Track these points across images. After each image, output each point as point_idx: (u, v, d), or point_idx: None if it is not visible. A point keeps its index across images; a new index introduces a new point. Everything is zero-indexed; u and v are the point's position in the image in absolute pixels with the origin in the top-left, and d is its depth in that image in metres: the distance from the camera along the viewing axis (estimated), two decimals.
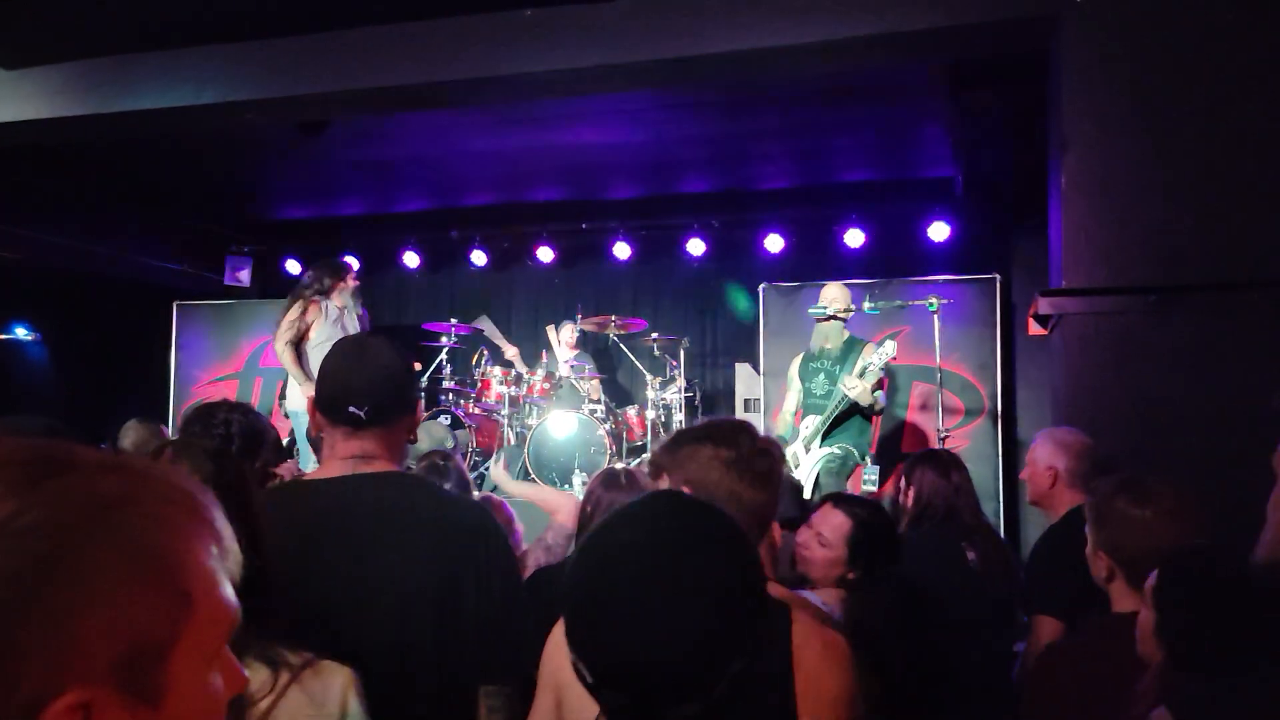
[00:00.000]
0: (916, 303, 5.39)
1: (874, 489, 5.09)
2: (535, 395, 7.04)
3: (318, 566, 1.68)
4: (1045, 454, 2.93)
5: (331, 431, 1.84)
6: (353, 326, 5.99)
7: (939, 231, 7.27)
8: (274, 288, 9.02)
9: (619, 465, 6.59)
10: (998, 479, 6.67)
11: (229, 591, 0.72)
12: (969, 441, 6.68)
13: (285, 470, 2.97)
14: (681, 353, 7.29)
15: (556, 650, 1.64)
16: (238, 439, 2.44)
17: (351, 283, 6.14)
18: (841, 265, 7.51)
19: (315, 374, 5.79)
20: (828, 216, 7.62)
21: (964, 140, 5.84)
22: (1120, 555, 1.93)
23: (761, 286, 7.47)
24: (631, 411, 7.21)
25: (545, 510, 3.08)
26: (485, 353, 7.40)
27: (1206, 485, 2.66)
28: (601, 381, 7.72)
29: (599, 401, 7.18)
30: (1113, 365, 3.37)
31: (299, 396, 5.93)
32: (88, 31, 4.41)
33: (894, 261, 7.39)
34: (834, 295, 5.44)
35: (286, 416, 6.36)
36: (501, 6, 4.18)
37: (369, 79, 4.43)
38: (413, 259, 8.55)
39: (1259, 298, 3.26)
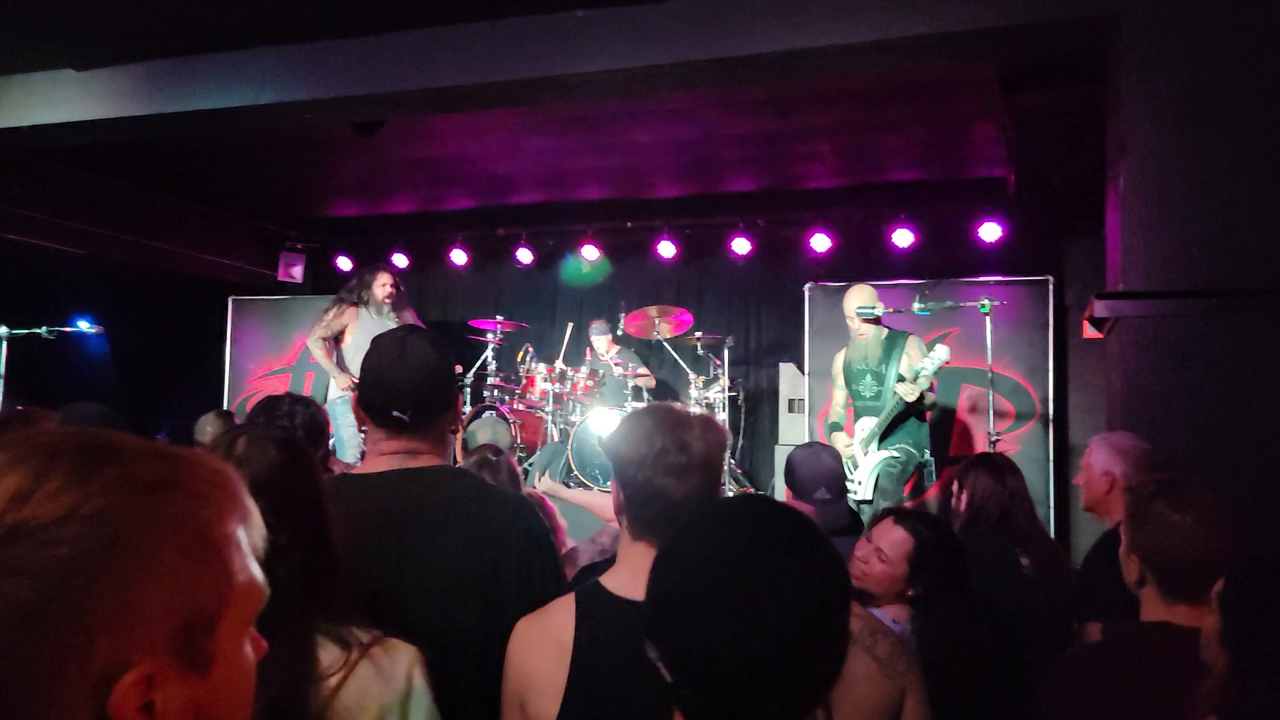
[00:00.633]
0: (968, 304, 5.32)
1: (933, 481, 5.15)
2: (579, 392, 7.08)
3: (363, 559, 1.71)
4: (1102, 459, 2.89)
5: (375, 429, 1.89)
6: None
7: (990, 232, 7.18)
8: (325, 284, 9.17)
9: None
10: (1048, 484, 6.58)
11: (257, 567, 0.77)
12: (1019, 445, 6.60)
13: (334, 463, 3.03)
14: (725, 352, 7.28)
15: (516, 653, 1.62)
16: (301, 430, 2.49)
17: (383, 292, 6.27)
18: (889, 265, 7.45)
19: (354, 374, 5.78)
20: (876, 216, 7.57)
21: (1016, 140, 5.76)
22: (1153, 560, 1.89)
23: (807, 286, 7.44)
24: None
25: (598, 515, 3.09)
26: (529, 349, 7.46)
27: (1266, 492, 2.61)
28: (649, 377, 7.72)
29: (647, 394, 7.20)
30: (1170, 370, 3.32)
31: (335, 388, 6.23)
32: (153, 34, 4.53)
33: (944, 262, 7.31)
34: (864, 294, 5.40)
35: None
36: (553, 8, 4.21)
37: (422, 80, 4.48)
38: (460, 256, 8.64)
39: None
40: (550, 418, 7.08)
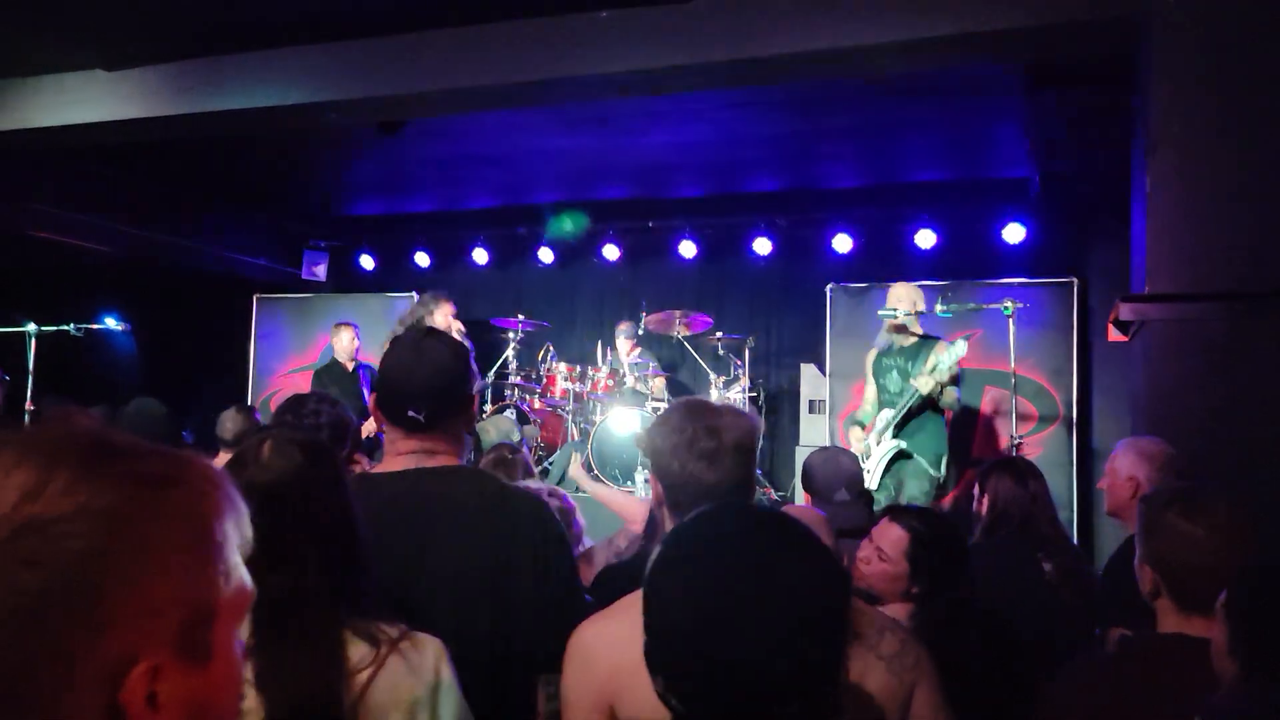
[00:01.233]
0: (991, 306, 5.29)
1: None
2: (599, 392, 7.09)
3: (381, 557, 1.73)
4: (1127, 463, 2.87)
5: (392, 429, 1.91)
6: None
7: (1014, 233, 7.14)
8: (349, 281, 9.25)
9: None
10: (1071, 488, 6.53)
11: (244, 567, 0.80)
12: (1042, 449, 6.55)
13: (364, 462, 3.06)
14: (746, 352, 7.28)
15: (598, 648, 1.60)
16: (326, 429, 2.53)
17: (445, 324, 6.03)
18: (912, 266, 7.41)
19: None
20: (898, 216, 7.53)
21: (1041, 140, 5.72)
22: (1166, 570, 1.86)
23: (829, 287, 7.41)
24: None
25: (617, 513, 3.10)
26: (550, 348, 7.48)
27: None
28: (666, 380, 7.73)
29: (662, 399, 7.20)
30: (1197, 374, 3.28)
31: None
32: (181, 35, 4.58)
33: (967, 263, 7.27)
34: (901, 295, 5.44)
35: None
36: (577, 9, 4.22)
37: (445, 80, 4.51)
38: (482, 255, 8.68)
39: None
40: (570, 417, 7.10)
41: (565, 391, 7.10)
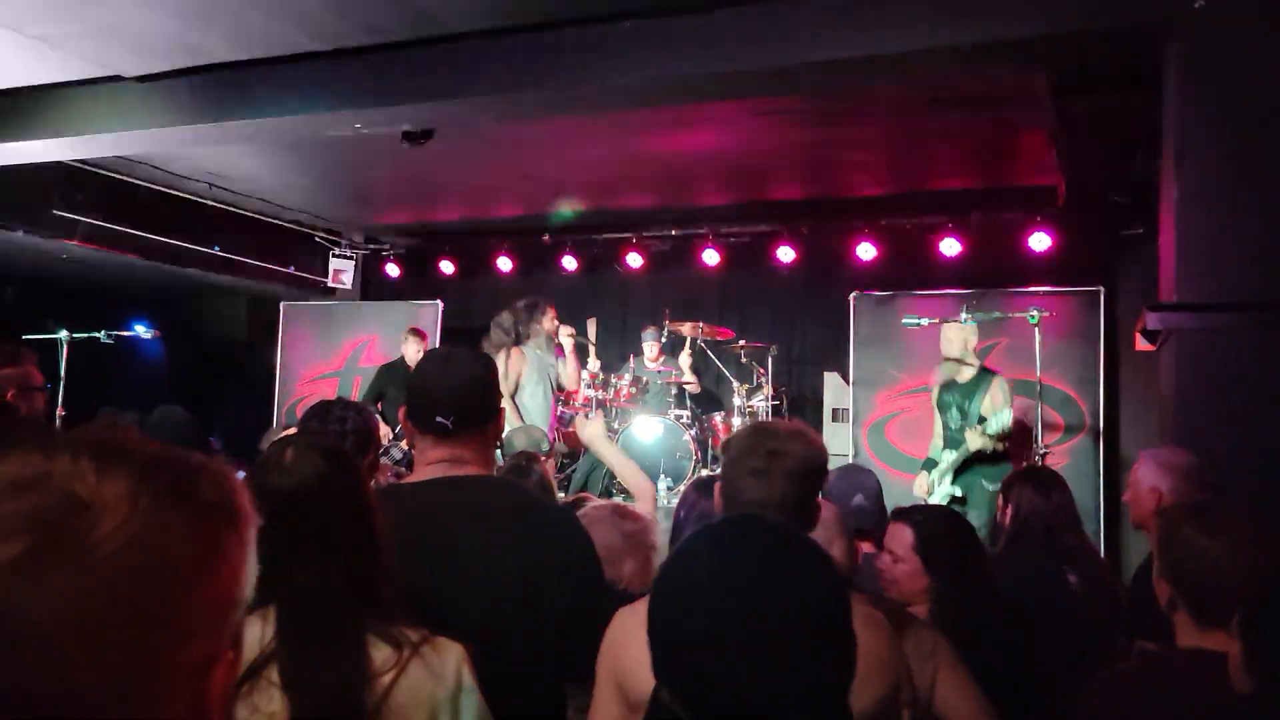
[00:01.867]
0: (1016, 315, 5.27)
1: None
2: (621, 399, 7.10)
3: (409, 566, 1.75)
4: (1149, 475, 2.83)
5: (422, 439, 1.94)
6: (553, 368, 5.86)
7: (1039, 242, 7.08)
8: (374, 289, 9.32)
9: (705, 472, 6.61)
10: (1098, 498, 6.46)
11: None
12: (1068, 459, 6.49)
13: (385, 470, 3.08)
14: (769, 360, 7.27)
15: (616, 641, 1.68)
16: (352, 435, 2.55)
17: (553, 325, 5.93)
18: (936, 274, 7.38)
19: (529, 417, 5.66)
20: (923, 225, 7.50)
21: (1067, 148, 5.68)
22: (1182, 583, 1.84)
23: (853, 295, 7.39)
24: (718, 418, 7.22)
25: (626, 484, 3.10)
26: None
27: None
28: (695, 384, 7.71)
29: (690, 401, 7.20)
30: (1225, 384, 3.24)
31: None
32: (211, 45, 4.64)
33: (992, 272, 7.22)
34: (952, 337, 5.56)
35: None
36: (600, 19, 4.24)
37: (471, 91, 4.54)
38: (506, 263, 8.73)
39: None
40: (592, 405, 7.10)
41: (588, 399, 7.12)
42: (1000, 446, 5.24)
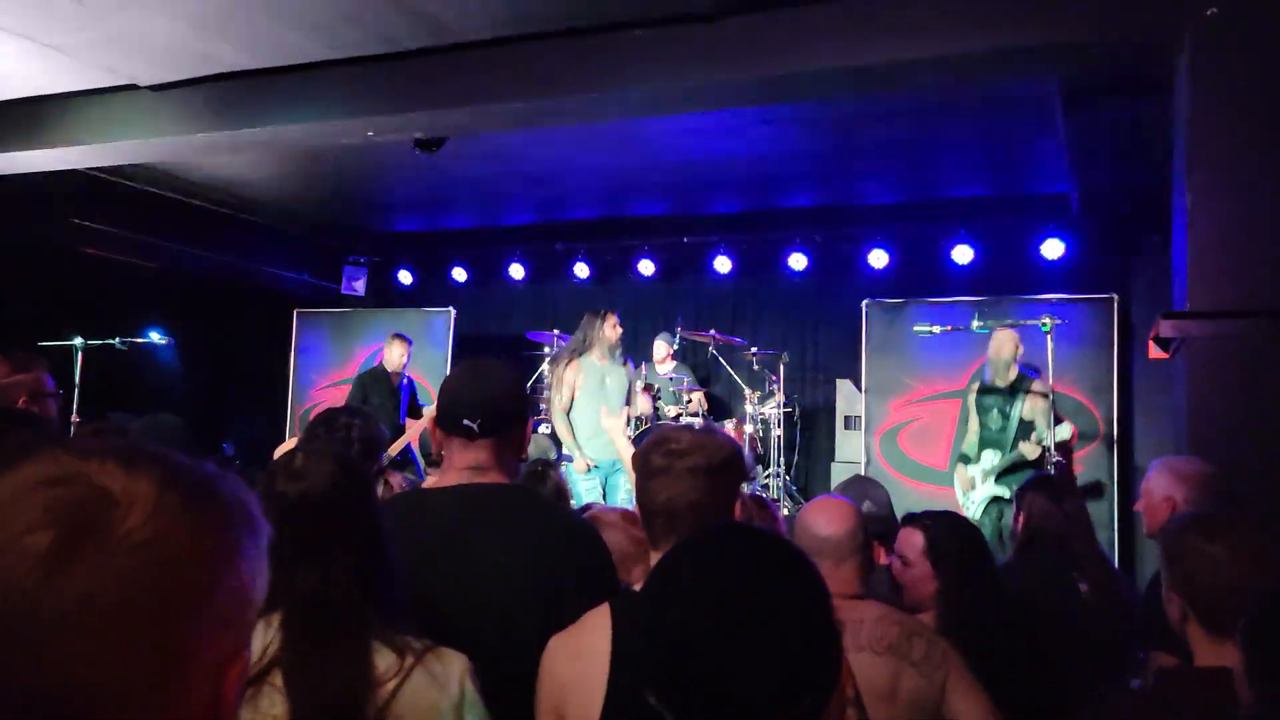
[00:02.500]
0: (1029, 322, 5.26)
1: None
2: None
3: (427, 572, 1.76)
4: (1162, 484, 2.81)
5: (449, 443, 1.96)
6: (617, 382, 5.75)
7: (1053, 249, 7.06)
8: (387, 297, 9.36)
9: None
10: (1112, 507, 6.42)
11: None
12: (1082, 467, 6.46)
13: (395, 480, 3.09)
14: (781, 367, 7.26)
15: (551, 671, 1.68)
16: (357, 443, 2.56)
17: (615, 333, 5.81)
18: (949, 282, 7.36)
19: (578, 433, 5.54)
20: (935, 232, 7.48)
21: (1080, 155, 5.66)
22: (1191, 594, 1.81)
23: (864, 302, 7.38)
24: (729, 425, 7.20)
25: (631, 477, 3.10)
26: None
27: None
28: (703, 395, 7.71)
29: (696, 415, 7.19)
30: (1239, 392, 3.22)
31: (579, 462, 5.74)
32: (223, 54, 4.68)
33: (1005, 279, 7.20)
34: (1003, 340, 5.76)
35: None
36: (610, 28, 4.26)
37: (484, 98, 4.56)
38: (518, 270, 8.75)
39: None
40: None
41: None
42: (1054, 455, 5.32)
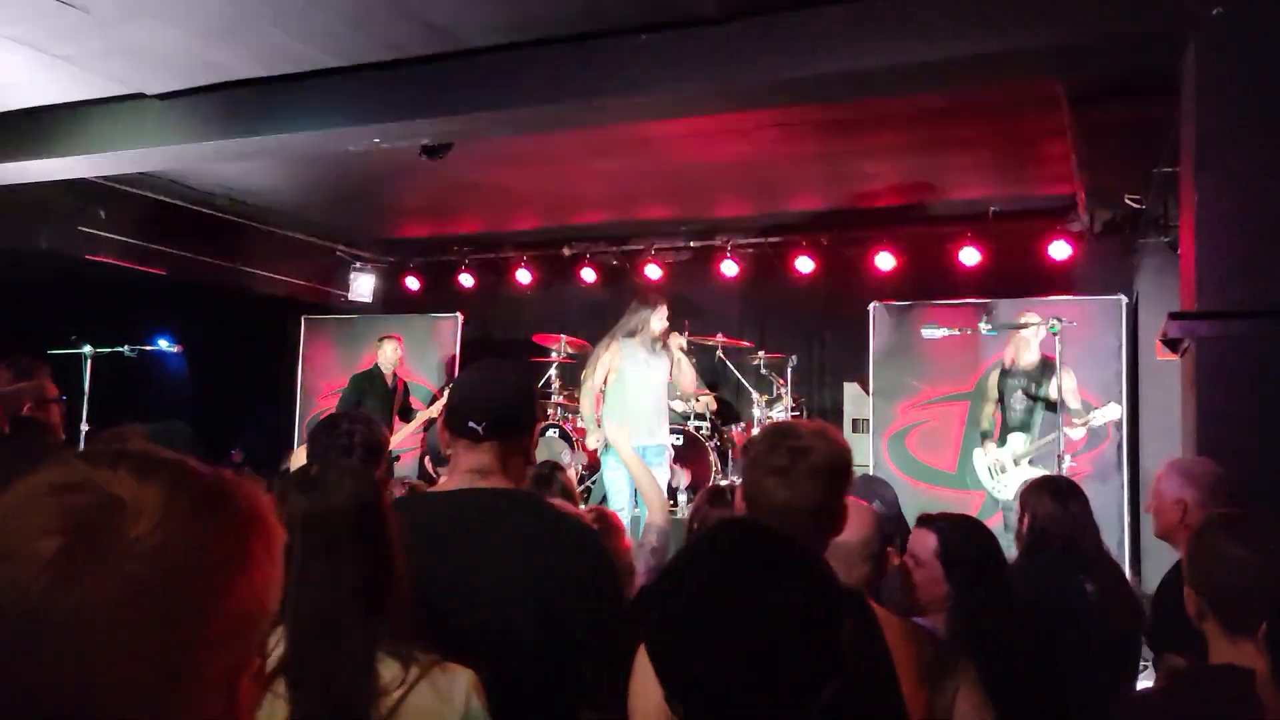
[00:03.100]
0: (1037, 324, 5.24)
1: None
2: None
3: (427, 575, 1.75)
4: (1173, 486, 2.80)
5: (455, 445, 1.94)
6: (660, 371, 5.75)
7: (1060, 250, 7.04)
8: (394, 302, 9.38)
9: (724, 482, 6.59)
10: (1121, 508, 6.39)
11: None
12: (1091, 469, 6.42)
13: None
14: (789, 371, 7.25)
15: (635, 673, 1.63)
16: (360, 449, 2.54)
17: (661, 326, 5.80)
18: (956, 284, 7.34)
19: (614, 414, 5.58)
20: (942, 234, 7.47)
21: (1087, 156, 5.64)
22: (1209, 592, 1.82)
23: (871, 305, 7.36)
24: (737, 429, 7.20)
25: (640, 492, 3.09)
26: None
27: None
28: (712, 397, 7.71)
29: (704, 417, 7.19)
30: (1248, 393, 3.20)
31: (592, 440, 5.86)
32: (230, 62, 4.70)
33: (1012, 281, 7.18)
34: (1030, 333, 5.87)
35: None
36: (616, 33, 4.26)
37: (489, 105, 4.57)
38: (525, 275, 8.76)
39: None
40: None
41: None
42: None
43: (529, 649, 1.73)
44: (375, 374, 7.27)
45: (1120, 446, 6.54)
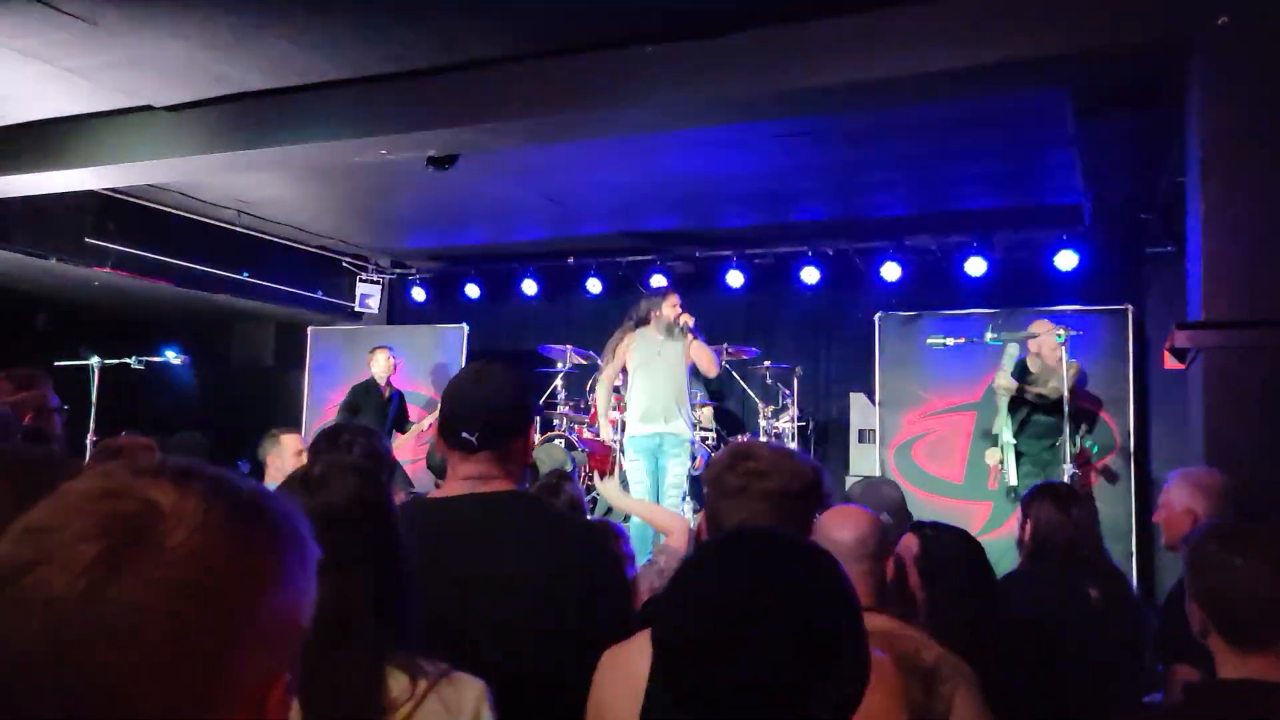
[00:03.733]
0: (1044, 334, 5.22)
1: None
2: None
3: (429, 583, 1.74)
4: (1182, 496, 2.78)
5: (451, 454, 1.93)
6: (673, 356, 5.78)
7: (1066, 260, 7.03)
8: (400, 313, 9.39)
9: None
10: (1130, 518, 6.35)
11: None
12: (1099, 479, 6.39)
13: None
14: (795, 381, 7.23)
15: (599, 680, 1.63)
16: (361, 460, 2.53)
17: (673, 312, 5.84)
18: (962, 294, 7.33)
19: (630, 407, 5.64)
20: (948, 244, 7.46)
21: (1093, 166, 5.63)
22: (1212, 604, 1.79)
23: (878, 315, 7.35)
24: (742, 440, 7.18)
25: (651, 524, 3.08)
26: (599, 378, 7.50)
27: None
28: (714, 410, 7.70)
29: (710, 429, 7.17)
30: (1255, 403, 3.18)
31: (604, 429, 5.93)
32: (238, 74, 4.73)
33: (1019, 291, 7.17)
34: (1049, 348, 5.80)
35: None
36: (622, 44, 4.28)
37: (497, 115, 4.59)
38: (531, 286, 8.77)
39: None
40: (618, 446, 7.09)
41: (614, 420, 7.11)
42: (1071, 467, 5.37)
43: (533, 651, 1.72)
44: (371, 385, 7.31)
45: (1128, 456, 6.51)
